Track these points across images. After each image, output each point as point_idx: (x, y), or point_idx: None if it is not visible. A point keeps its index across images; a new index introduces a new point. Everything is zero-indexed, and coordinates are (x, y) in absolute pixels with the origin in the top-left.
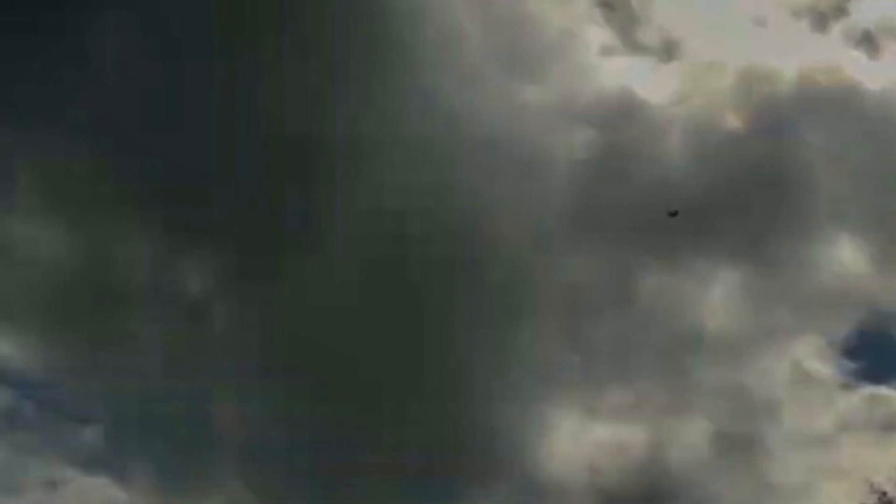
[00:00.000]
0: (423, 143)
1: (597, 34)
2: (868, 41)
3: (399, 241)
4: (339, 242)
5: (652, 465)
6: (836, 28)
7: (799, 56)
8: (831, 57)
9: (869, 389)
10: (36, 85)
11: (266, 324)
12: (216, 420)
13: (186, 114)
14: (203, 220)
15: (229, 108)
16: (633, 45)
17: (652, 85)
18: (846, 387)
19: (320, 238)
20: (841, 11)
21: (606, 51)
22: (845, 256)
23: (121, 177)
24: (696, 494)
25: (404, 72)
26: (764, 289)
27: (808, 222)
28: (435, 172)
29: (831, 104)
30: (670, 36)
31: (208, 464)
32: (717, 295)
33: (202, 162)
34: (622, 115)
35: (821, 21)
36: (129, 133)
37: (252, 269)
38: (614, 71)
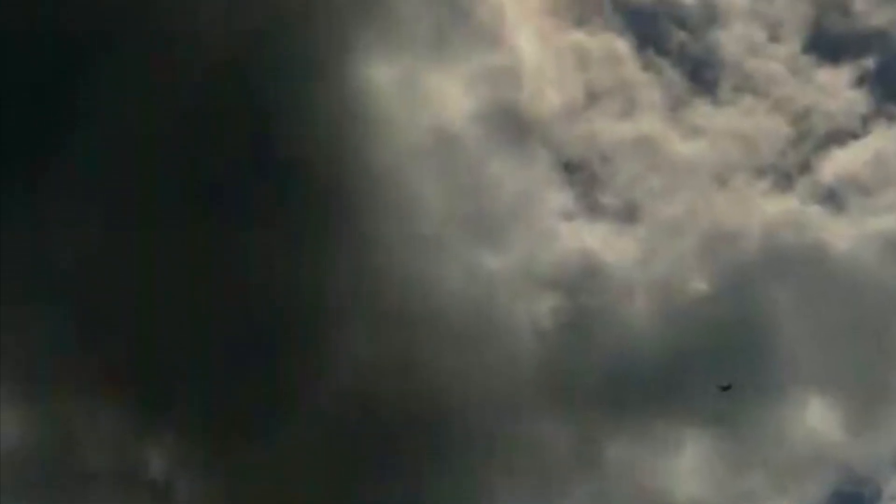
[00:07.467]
0: (387, 314)
1: (557, 198)
2: (832, 198)
3: (363, 413)
4: (303, 417)
5: None
6: (800, 185)
7: (763, 214)
8: (796, 214)
9: None
10: None
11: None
12: None
13: (151, 288)
14: (167, 398)
15: (193, 282)
16: (594, 208)
17: (615, 248)
18: None
19: (284, 413)
20: (805, 168)
21: (568, 214)
22: (816, 419)
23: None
24: None
25: (365, 243)
26: (735, 454)
27: (779, 385)
28: (399, 343)
29: (797, 263)
30: (632, 198)
31: None
32: (686, 461)
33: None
34: (585, 279)
35: (785, 178)
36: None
37: (216, 446)
38: (576, 234)
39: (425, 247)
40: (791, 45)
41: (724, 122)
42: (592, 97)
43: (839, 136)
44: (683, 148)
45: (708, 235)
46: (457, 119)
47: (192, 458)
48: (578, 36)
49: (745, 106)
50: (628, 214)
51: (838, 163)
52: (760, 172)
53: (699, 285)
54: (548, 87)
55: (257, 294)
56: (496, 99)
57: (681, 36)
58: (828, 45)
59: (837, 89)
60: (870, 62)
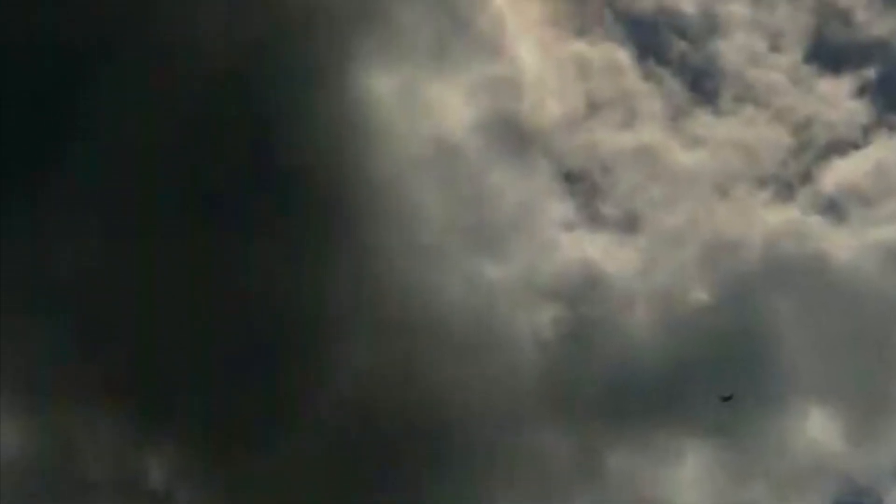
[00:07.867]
0: (387, 324)
1: (558, 208)
2: (833, 208)
3: (363, 423)
4: (303, 427)
5: None
6: (801, 195)
7: (764, 224)
8: (797, 224)
9: None
10: None
11: None
12: None
13: (151, 298)
14: (167, 408)
15: (193, 291)
16: (595, 218)
17: (616, 258)
18: None
19: (285, 423)
20: (806, 178)
21: (569, 225)
22: (817, 429)
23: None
24: None
25: (366, 252)
26: (736, 464)
27: (779, 395)
28: (400, 353)
29: (798, 273)
30: (633, 208)
31: None
32: (687, 472)
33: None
34: (586, 289)
35: (785, 189)
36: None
37: (216, 456)
38: (577, 245)
39: (426, 256)
40: (792, 55)
41: (725, 132)
42: (593, 107)
43: (840, 147)
44: (684, 158)
45: (709, 245)
46: (457, 129)
47: (192, 467)
48: (579, 46)
49: (746, 116)
50: (629, 224)
51: (839, 173)
52: (761, 182)
53: (700, 295)
54: (548, 98)
55: (257, 303)
56: (497, 109)
57: (681, 46)
58: (829, 54)
59: (838, 99)
60: (871, 72)
